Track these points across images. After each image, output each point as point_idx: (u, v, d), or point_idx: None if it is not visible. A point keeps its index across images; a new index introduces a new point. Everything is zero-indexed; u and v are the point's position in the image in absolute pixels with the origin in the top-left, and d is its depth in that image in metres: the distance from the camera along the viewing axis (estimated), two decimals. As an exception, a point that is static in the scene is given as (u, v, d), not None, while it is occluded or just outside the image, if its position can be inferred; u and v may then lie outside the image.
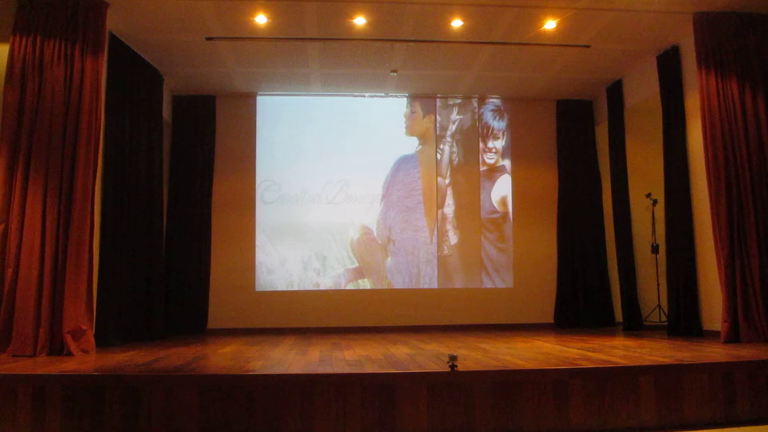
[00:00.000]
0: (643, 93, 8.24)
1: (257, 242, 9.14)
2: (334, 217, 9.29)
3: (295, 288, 9.06)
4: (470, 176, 9.61)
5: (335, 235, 9.27)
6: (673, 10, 6.72)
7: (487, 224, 9.54)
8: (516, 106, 9.75)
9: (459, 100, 9.67)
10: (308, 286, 9.10)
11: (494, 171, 9.68)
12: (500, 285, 9.41)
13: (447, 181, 9.53)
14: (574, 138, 9.61)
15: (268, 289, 9.04)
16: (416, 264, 9.30)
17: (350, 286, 9.18)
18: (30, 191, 5.74)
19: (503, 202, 9.62)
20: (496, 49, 7.78)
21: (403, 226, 9.36)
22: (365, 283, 9.19)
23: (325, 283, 9.14)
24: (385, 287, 9.21)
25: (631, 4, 6.59)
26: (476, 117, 9.70)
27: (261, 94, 9.40)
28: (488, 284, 9.42)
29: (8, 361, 5.09)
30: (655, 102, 7.73)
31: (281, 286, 9.05)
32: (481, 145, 9.66)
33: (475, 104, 9.72)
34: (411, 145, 9.62)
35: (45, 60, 5.96)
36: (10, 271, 5.58)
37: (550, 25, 7.05)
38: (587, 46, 7.68)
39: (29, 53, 5.93)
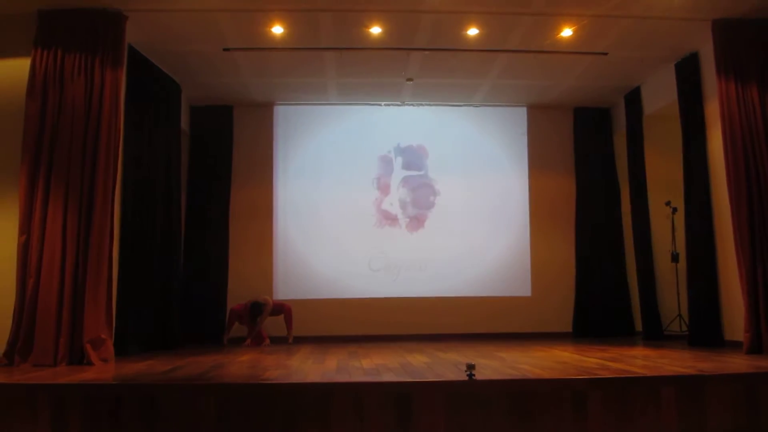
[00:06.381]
0: (661, 100, 8.17)
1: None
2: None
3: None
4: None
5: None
6: (691, 17, 6.66)
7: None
8: (533, 114, 9.71)
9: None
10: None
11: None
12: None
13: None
14: (592, 146, 9.56)
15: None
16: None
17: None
18: (51, 202, 5.80)
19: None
20: (513, 57, 7.77)
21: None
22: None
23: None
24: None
25: (649, 11, 6.55)
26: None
27: (278, 104, 9.46)
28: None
29: (29, 370, 5.14)
30: (674, 110, 7.65)
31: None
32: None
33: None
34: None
35: (65, 73, 6.03)
36: (31, 282, 5.64)
37: (566, 32, 7.02)
38: (605, 54, 7.64)
39: (50, 66, 6.01)
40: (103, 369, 5.20)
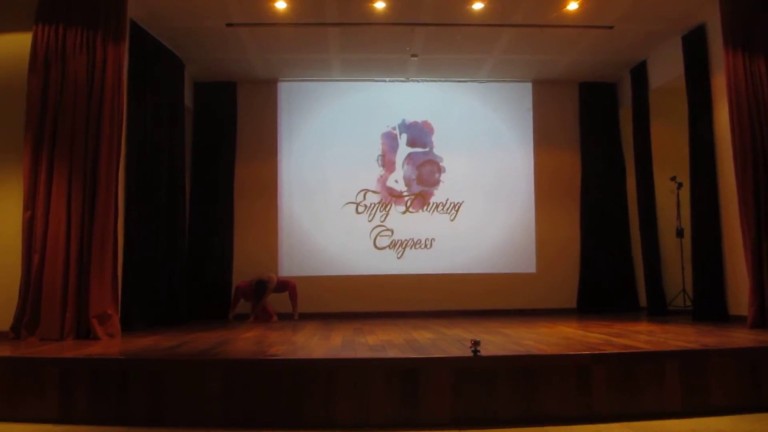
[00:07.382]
0: (668, 74, 8.09)
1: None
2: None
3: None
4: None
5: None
6: (699, -12, 6.59)
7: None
8: (538, 89, 9.64)
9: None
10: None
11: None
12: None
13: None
14: (597, 120, 9.50)
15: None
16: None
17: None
18: (55, 178, 5.80)
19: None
20: (518, 31, 7.69)
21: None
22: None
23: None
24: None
25: (657, -17, 6.48)
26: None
27: (282, 80, 9.41)
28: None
29: (36, 344, 5.18)
30: (680, 83, 7.58)
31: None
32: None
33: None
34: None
35: (67, 48, 5.98)
36: (37, 257, 5.66)
37: (572, 6, 6.94)
38: (610, 27, 7.56)
39: (52, 42, 5.97)
40: (110, 344, 5.23)
